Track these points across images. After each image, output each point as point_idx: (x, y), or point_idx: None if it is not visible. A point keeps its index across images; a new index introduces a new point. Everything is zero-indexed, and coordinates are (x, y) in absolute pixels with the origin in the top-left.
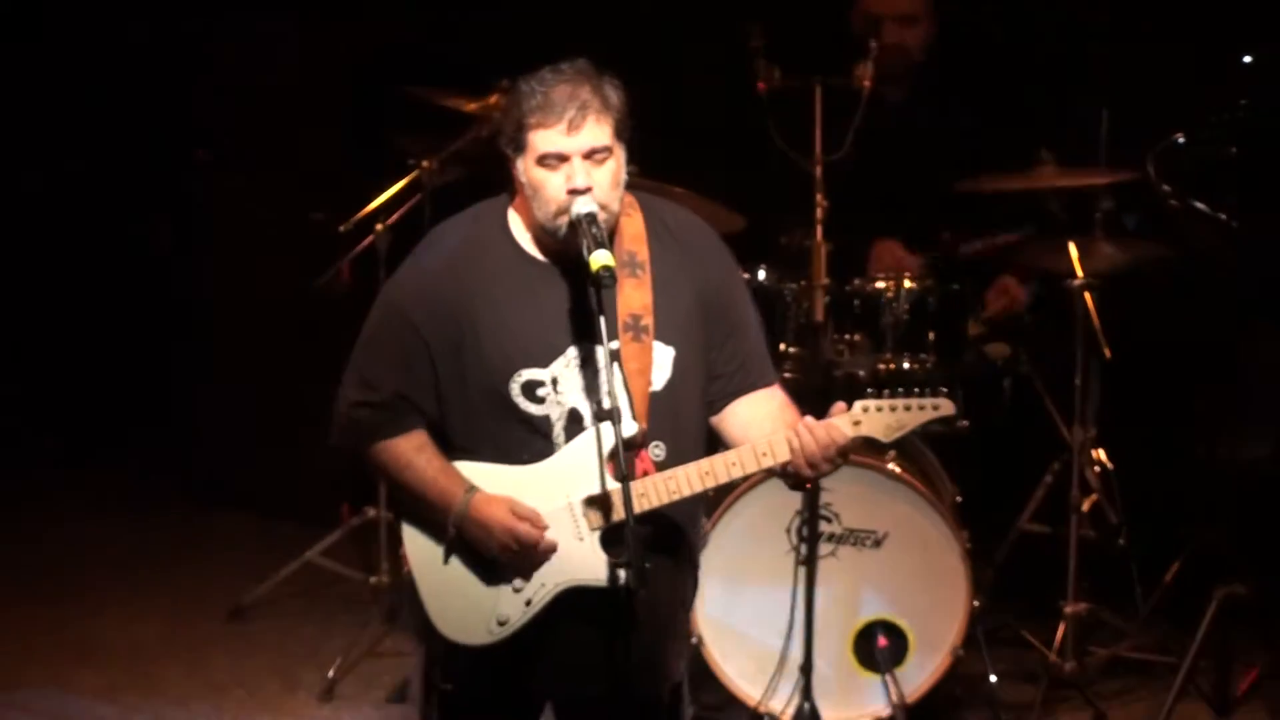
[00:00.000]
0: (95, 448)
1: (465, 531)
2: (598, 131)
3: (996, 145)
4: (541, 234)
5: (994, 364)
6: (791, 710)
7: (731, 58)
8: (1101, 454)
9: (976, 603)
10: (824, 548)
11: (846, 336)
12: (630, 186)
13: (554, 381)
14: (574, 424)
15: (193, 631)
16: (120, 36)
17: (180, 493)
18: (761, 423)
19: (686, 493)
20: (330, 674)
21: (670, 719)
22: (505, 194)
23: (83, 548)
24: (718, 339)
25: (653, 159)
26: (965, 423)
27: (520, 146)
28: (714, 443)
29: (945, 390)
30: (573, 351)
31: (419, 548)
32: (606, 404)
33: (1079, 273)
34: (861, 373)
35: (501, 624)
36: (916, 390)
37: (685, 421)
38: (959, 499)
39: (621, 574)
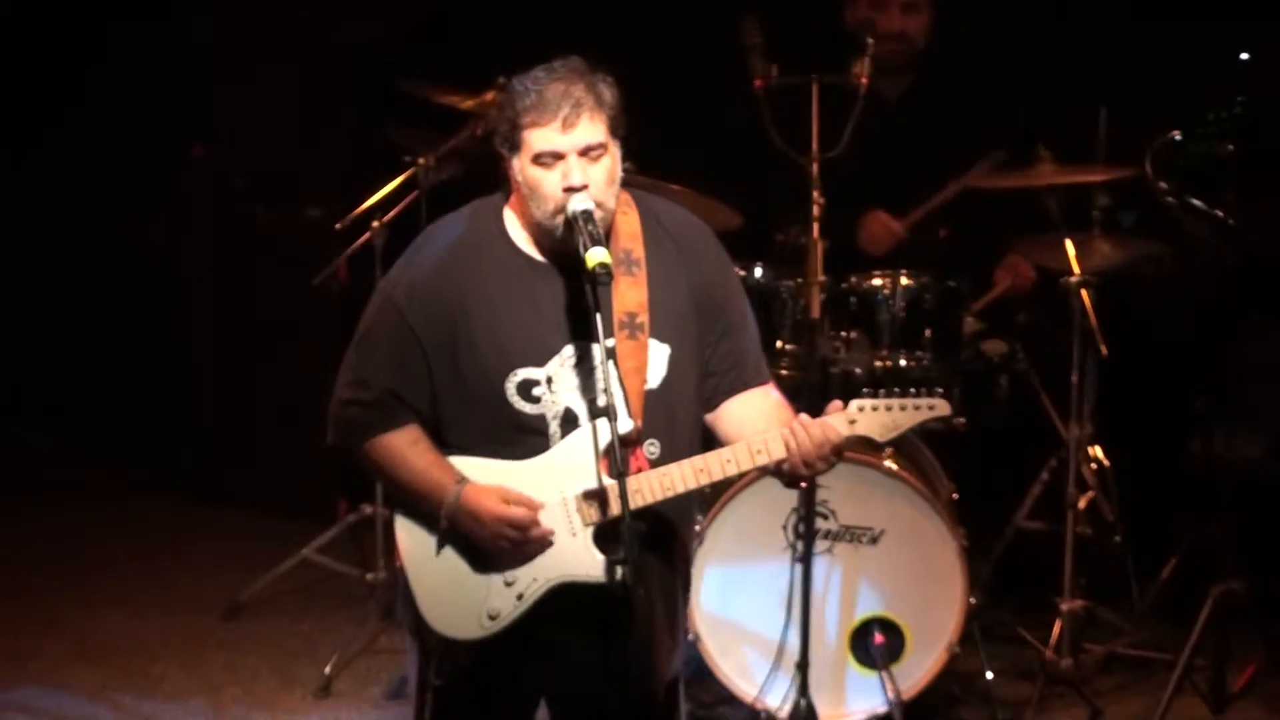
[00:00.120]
0: (91, 445)
1: (457, 523)
2: (592, 128)
3: (992, 143)
4: (538, 233)
5: (991, 361)
6: (788, 707)
7: (728, 54)
8: (1098, 451)
9: (973, 600)
10: (820, 545)
11: (843, 333)
12: (627, 183)
13: (549, 380)
14: (569, 422)
15: (189, 628)
16: (112, 29)
17: (176, 489)
18: (756, 420)
19: (681, 490)
20: (327, 670)
21: (666, 716)
22: (500, 193)
23: (79, 545)
24: (712, 337)
25: (649, 156)
26: (962, 420)
27: (515, 145)
28: (708, 440)
29: (941, 391)
30: (568, 350)
31: (411, 541)
32: (602, 401)
33: (1076, 270)
34: (858, 370)
35: (493, 618)
36: (913, 390)
37: (680, 419)
38: (956, 496)
39: (615, 570)
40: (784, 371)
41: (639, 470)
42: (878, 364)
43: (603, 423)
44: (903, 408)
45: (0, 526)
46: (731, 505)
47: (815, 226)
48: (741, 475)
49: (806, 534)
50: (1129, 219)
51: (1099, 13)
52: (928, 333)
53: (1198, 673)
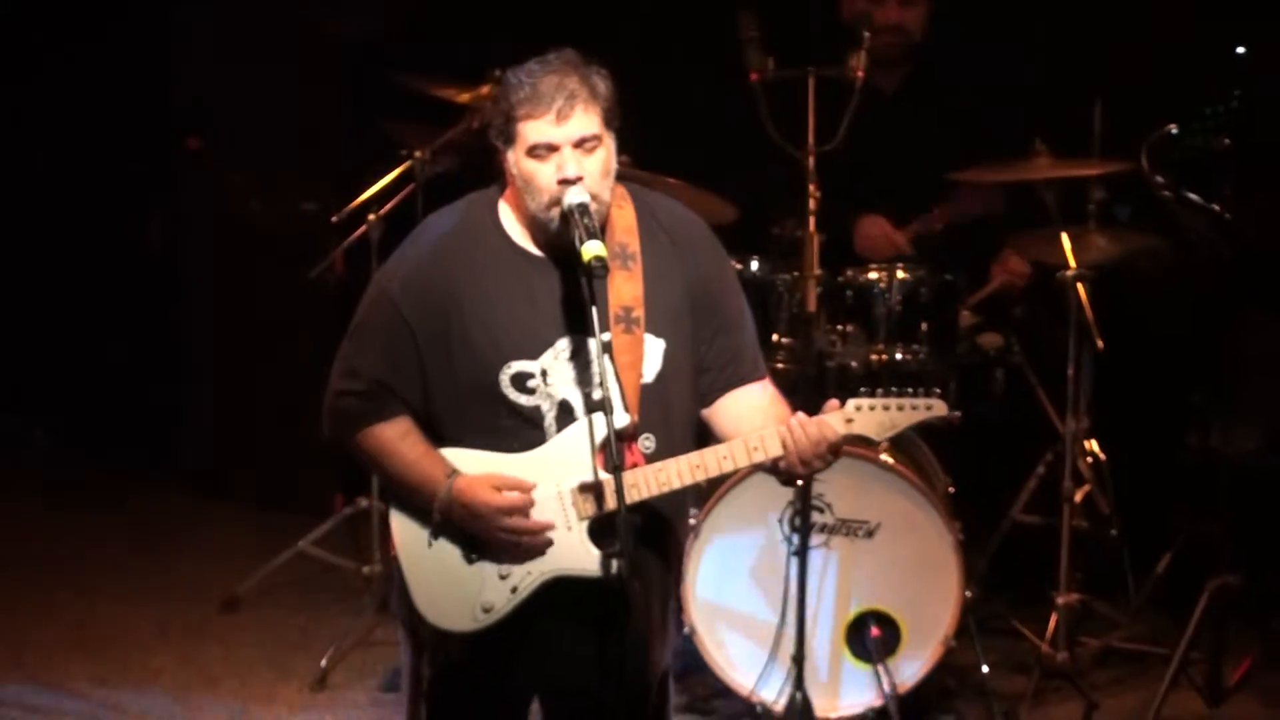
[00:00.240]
0: (87, 439)
1: (451, 516)
2: (586, 120)
3: (990, 136)
4: (533, 226)
5: (987, 354)
6: (784, 700)
7: (724, 48)
8: (1094, 445)
9: (969, 593)
10: (816, 538)
11: (839, 327)
12: (622, 177)
13: (544, 373)
14: (565, 415)
15: (186, 621)
16: (110, 25)
17: (173, 483)
18: (751, 416)
19: (677, 485)
20: (323, 663)
21: (657, 708)
22: (496, 186)
23: (76, 538)
24: (708, 332)
25: (645, 150)
26: (958, 414)
27: (510, 138)
28: (703, 435)
29: (939, 390)
30: (563, 343)
31: (405, 534)
32: (598, 395)
33: (1072, 264)
34: (854, 363)
35: (486, 611)
36: (910, 390)
37: (675, 414)
38: (951, 489)
39: (610, 564)
40: (780, 365)
41: (634, 465)
42: (874, 357)
43: (598, 417)
44: (900, 407)
45: None
46: (728, 498)
47: (811, 220)
48: (737, 471)
49: (803, 527)
50: (1125, 213)
51: (1095, 6)
52: (924, 326)
53: (1193, 666)
